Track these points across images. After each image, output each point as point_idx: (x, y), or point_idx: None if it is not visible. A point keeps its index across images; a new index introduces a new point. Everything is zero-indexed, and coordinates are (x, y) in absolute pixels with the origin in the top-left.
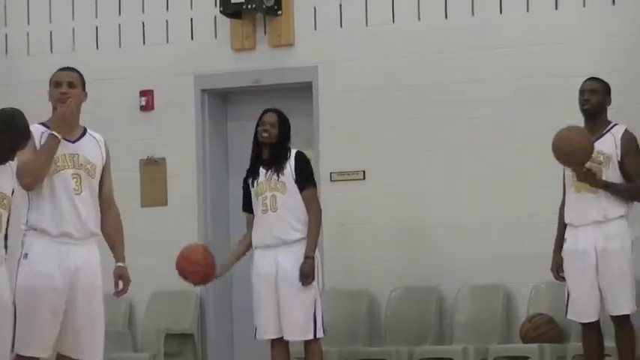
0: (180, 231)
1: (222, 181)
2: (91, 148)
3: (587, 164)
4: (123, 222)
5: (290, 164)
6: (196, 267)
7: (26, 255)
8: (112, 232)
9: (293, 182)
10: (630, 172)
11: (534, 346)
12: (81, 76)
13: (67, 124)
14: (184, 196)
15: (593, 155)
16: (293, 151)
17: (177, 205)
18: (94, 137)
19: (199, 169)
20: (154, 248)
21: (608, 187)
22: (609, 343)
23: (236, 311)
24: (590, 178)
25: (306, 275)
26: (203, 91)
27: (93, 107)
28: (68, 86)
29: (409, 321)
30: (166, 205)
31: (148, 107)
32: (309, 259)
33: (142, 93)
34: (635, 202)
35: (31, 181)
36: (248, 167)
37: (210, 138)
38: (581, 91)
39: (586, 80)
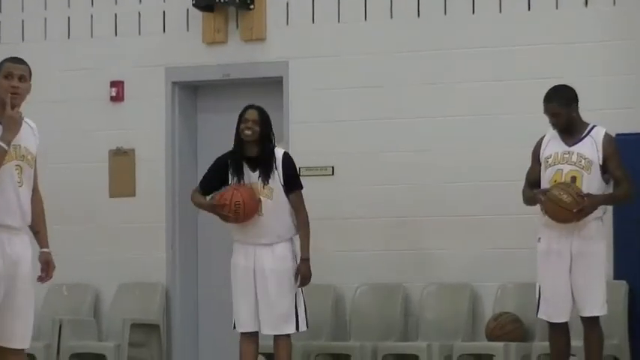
0: (147, 221)
1: (191, 172)
2: (29, 138)
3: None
4: (91, 212)
5: (277, 168)
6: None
7: None
8: (36, 218)
9: (280, 186)
10: (616, 175)
11: (499, 344)
12: (29, 68)
13: (19, 127)
14: (153, 187)
15: (574, 159)
16: (280, 153)
17: (146, 195)
18: (30, 125)
19: (168, 160)
20: (122, 238)
21: (603, 202)
22: (574, 343)
23: (202, 302)
24: (585, 214)
25: (304, 277)
26: (174, 83)
27: (63, 97)
28: (19, 79)
29: (374, 317)
30: (134, 195)
31: (118, 98)
32: (306, 261)
33: (113, 84)
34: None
35: None
36: (230, 160)
37: (180, 130)
38: (545, 113)
39: (545, 101)
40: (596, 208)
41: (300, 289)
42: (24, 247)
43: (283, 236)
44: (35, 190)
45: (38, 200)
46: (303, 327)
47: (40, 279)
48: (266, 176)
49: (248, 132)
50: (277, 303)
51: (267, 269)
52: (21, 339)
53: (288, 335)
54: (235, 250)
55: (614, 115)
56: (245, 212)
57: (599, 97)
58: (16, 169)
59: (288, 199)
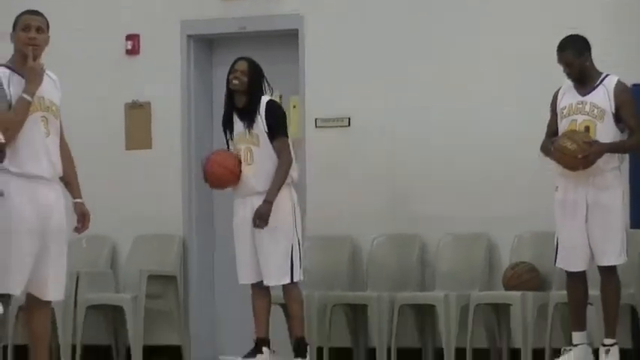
0: (164, 174)
1: (207, 125)
2: (52, 90)
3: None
4: (108, 165)
5: (261, 115)
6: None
7: (1, 194)
8: (66, 169)
9: (265, 133)
10: (630, 124)
11: (517, 293)
12: (47, 19)
13: (41, 78)
14: (169, 139)
15: (587, 109)
16: (264, 100)
17: (162, 148)
18: (52, 78)
19: (184, 113)
20: (138, 190)
21: (611, 150)
22: (591, 292)
23: (218, 254)
24: (591, 161)
25: (260, 217)
26: (189, 36)
27: (79, 51)
28: (37, 31)
29: (391, 268)
30: (151, 148)
31: (133, 51)
32: (267, 203)
33: (128, 37)
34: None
35: (7, 139)
36: (223, 114)
37: (195, 83)
38: (559, 62)
39: (558, 51)
40: (601, 155)
41: (298, 240)
42: (56, 198)
43: None
44: (62, 142)
45: (66, 151)
46: (297, 278)
47: (77, 230)
48: (250, 123)
49: (236, 82)
50: (272, 253)
51: None
52: (54, 291)
53: (296, 284)
54: (235, 206)
55: (629, 66)
56: (216, 178)
57: (614, 48)
58: (42, 120)
59: (273, 146)
